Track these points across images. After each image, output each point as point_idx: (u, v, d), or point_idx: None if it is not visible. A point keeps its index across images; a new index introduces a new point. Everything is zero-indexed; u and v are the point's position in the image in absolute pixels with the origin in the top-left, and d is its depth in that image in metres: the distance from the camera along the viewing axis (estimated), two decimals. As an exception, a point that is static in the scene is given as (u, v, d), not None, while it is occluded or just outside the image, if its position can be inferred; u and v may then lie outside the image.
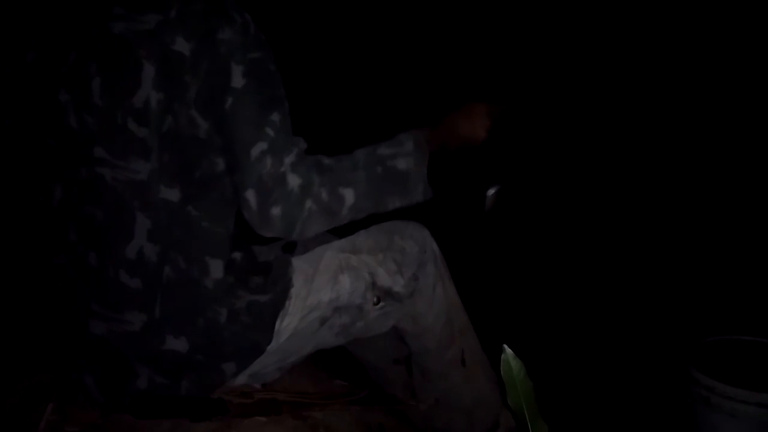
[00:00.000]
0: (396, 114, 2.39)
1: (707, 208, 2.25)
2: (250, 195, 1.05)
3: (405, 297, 1.30)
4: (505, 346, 0.77)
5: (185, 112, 1.02)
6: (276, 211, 1.05)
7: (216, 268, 1.10)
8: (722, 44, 2.28)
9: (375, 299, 1.26)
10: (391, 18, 2.69)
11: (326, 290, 1.22)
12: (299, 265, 1.23)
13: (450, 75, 2.59)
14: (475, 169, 1.55)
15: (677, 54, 2.36)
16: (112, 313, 1.08)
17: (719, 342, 1.56)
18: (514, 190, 1.40)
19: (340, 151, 1.17)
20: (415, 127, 1.26)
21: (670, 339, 1.74)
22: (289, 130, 1.08)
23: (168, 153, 1.03)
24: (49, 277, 1.14)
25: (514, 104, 1.34)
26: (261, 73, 1.05)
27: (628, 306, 2.12)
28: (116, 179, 1.03)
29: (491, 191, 1.34)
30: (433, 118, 1.30)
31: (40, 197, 1.11)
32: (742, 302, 1.94)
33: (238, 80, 1.02)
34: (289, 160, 1.05)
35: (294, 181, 1.05)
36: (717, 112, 2.30)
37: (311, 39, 2.68)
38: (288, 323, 1.18)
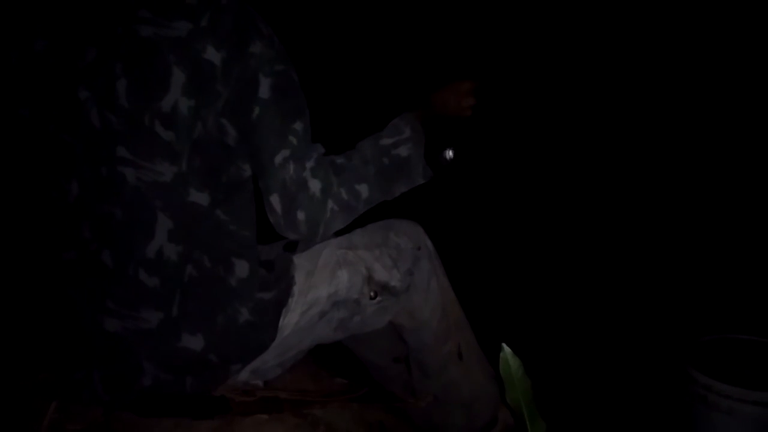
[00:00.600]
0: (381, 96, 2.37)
1: (704, 207, 2.25)
2: (275, 199, 1.09)
3: (401, 291, 1.32)
4: (504, 344, 0.77)
5: (215, 120, 1.04)
6: (300, 215, 1.09)
7: (242, 268, 1.12)
8: (722, 44, 2.28)
9: (372, 293, 1.28)
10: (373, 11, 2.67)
11: (325, 285, 1.24)
12: (300, 262, 1.25)
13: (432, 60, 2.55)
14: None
15: (669, 41, 2.36)
16: (128, 311, 1.08)
17: (716, 341, 1.57)
18: (472, 154, 1.40)
19: (340, 142, 1.20)
20: (404, 108, 1.30)
21: (668, 337, 1.75)
22: (310, 137, 1.11)
23: (198, 158, 1.05)
24: (56, 273, 1.14)
25: (496, 81, 1.37)
26: (286, 84, 1.08)
27: (626, 304, 2.12)
28: (140, 179, 1.04)
29: (449, 153, 1.34)
30: (419, 95, 1.33)
31: (53, 193, 1.11)
32: (739, 301, 1.95)
33: (265, 92, 1.06)
34: (309, 164, 1.09)
35: (315, 185, 1.10)
36: (716, 111, 2.31)
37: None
38: (290, 319, 1.20)
